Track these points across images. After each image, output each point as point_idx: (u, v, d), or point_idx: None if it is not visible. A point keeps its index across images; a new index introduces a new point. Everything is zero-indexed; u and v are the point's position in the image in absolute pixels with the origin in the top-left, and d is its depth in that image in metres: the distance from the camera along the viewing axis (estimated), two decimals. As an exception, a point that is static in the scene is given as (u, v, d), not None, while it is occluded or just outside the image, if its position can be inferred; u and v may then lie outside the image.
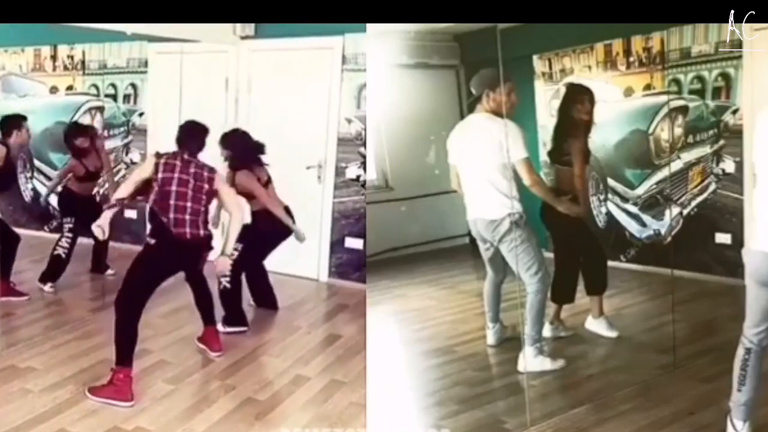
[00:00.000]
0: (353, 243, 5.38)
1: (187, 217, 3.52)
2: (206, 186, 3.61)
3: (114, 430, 3.05)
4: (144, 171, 3.57)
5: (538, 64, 5.37)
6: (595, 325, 4.08)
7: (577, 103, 3.90)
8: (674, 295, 3.91)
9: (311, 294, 5.28)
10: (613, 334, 4.03)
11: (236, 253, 4.19)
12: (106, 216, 3.52)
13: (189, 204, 3.53)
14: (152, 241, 3.54)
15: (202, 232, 3.59)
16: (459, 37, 5.96)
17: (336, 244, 5.46)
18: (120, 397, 3.27)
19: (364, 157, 5.30)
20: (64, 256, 4.92)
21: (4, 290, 4.64)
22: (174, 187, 3.52)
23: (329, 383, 3.62)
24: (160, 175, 3.52)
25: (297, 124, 5.27)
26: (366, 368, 3.71)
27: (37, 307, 4.66)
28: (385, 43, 5.19)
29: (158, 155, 3.60)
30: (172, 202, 3.50)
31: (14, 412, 3.15)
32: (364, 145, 5.27)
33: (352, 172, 5.36)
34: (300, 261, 5.47)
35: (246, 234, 4.02)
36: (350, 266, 5.42)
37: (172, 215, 3.48)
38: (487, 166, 3.53)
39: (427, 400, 3.41)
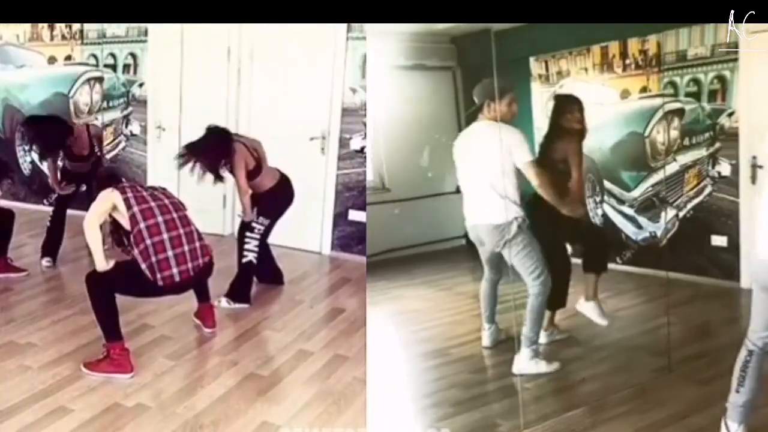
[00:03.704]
0: (356, 216, 5.29)
1: (186, 248, 3.35)
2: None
3: (114, 406, 3.03)
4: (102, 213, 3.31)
5: (535, 66, 5.36)
6: (586, 307, 4.02)
7: (566, 113, 3.91)
8: (669, 298, 3.91)
9: (314, 267, 5.22)
10: (603, 321, 3.98)
11: (262, 228, 4.18)
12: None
13: (182, 230, 3.35)
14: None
15: (201, 261, 3.43)
16: (456, 39, 5.95)
17: (339, 217, 5.38)
18: (121, 370, 3.25)
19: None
20: (50, 225, 4.91)
21: (2, 267, 4.63)
22: (160, 218, 3.31)
23: (332, 358, 3.59)
24: (135, 209, 3.26)
25: (300, 94, 5.11)
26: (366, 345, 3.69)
27: (36, 282, 4.63)
28: (383, 44, 5.17)
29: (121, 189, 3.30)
30: (165, 235, 3.30)
31: (13, 389, 3.13)
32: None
33: (356, 143, 5.25)
34: (302, 234, 5.40)
35: (267, 207, 4.02)
36: (353, 239, 5.34)
37: (161, 255, 3.27)
38: (491, 172, 3.54)
39: (424, 402, 3.40)
